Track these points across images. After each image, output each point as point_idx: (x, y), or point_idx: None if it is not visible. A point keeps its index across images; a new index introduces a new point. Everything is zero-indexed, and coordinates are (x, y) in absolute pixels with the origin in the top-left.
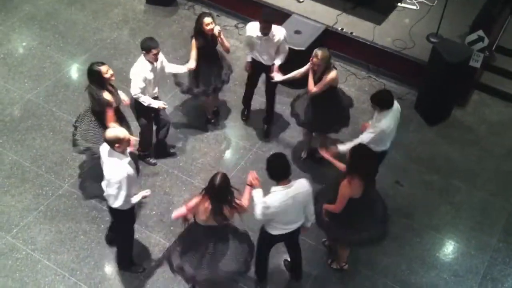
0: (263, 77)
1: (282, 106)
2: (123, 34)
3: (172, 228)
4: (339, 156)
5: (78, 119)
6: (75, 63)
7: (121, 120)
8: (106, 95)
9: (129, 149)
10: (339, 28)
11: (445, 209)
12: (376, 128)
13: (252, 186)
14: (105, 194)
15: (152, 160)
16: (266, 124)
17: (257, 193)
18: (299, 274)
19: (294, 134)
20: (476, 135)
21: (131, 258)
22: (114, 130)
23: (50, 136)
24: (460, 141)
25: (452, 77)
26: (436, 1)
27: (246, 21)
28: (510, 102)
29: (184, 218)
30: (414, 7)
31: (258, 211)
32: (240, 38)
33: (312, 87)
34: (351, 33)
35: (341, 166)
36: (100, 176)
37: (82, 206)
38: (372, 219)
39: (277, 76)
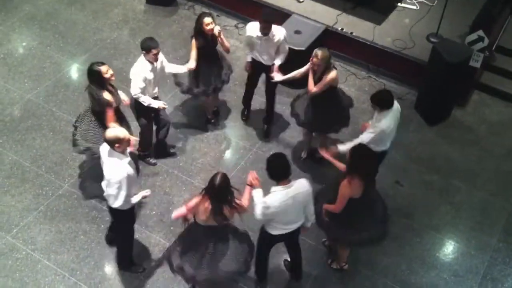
0: (263, 77)
1: (282, 106)
2: (123, 34)
3: (172, 228)
4: (339, 156)
5: (78, 119)
6: (75, 63)
7: (121, 120)
8: (106, 95)
9: (129, 149)
10: (339, 28)
11: (445, 209)
12: (376, 128)
13: (252, 186)
14: (105, 194)
15: (152, 160)
16: (266, 124)
17: (257, 193)
18: (299, 274)
19: (294, 134)
20: (476, 135)
21: (131, 258)
22: (114, 130)
23: (50, 136)
24: (460, 141)
25: (452, 77)
26: (436, 1)
27: (246, 21)
28: (510, 102)
29: (184, 218)
30: (414, 7)
31: (258, 211)
32: (240, 38)
33: (312, 87)
34: (351, 33)
35: (341, 166)
36: (100, 176)
37: (82, 206)
38: (372, 219)
39: (277, 76)
